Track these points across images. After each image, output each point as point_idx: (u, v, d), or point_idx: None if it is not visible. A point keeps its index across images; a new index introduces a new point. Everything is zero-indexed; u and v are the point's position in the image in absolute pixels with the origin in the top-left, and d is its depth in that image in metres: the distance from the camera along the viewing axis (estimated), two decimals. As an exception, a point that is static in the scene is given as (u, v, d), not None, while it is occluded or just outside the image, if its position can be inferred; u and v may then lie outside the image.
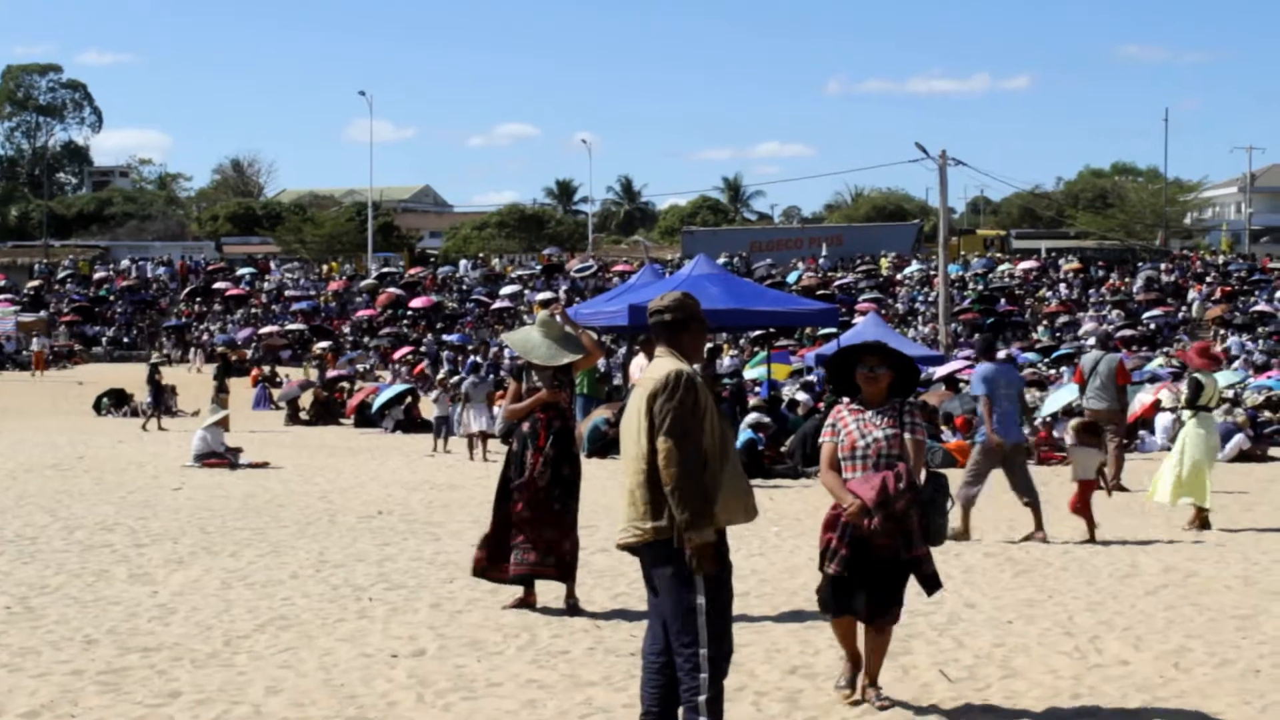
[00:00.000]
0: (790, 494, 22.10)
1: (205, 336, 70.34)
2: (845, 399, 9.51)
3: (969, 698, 9.39)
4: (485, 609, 12.40)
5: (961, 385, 35.56)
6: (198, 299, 77.16)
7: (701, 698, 7.51)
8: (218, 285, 78.72)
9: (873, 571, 8.98)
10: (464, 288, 76.18)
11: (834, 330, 44.33)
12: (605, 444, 26.92)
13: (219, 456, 25.85)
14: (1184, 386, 18.90)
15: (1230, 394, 36.68)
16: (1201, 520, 17.95)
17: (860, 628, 9.26)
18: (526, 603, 12.44)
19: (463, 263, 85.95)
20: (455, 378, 35.23)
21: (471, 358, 43.14)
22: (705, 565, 7.53)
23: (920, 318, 64.44)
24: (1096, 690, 9.59)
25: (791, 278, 71.03)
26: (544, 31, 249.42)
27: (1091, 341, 40.44)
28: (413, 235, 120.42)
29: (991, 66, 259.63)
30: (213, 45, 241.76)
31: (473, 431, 28.58)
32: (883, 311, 60.30)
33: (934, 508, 9.09)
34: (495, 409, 28.27)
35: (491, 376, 34.09)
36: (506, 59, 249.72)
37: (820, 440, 9.41)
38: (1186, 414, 18.61)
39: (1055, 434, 29.66)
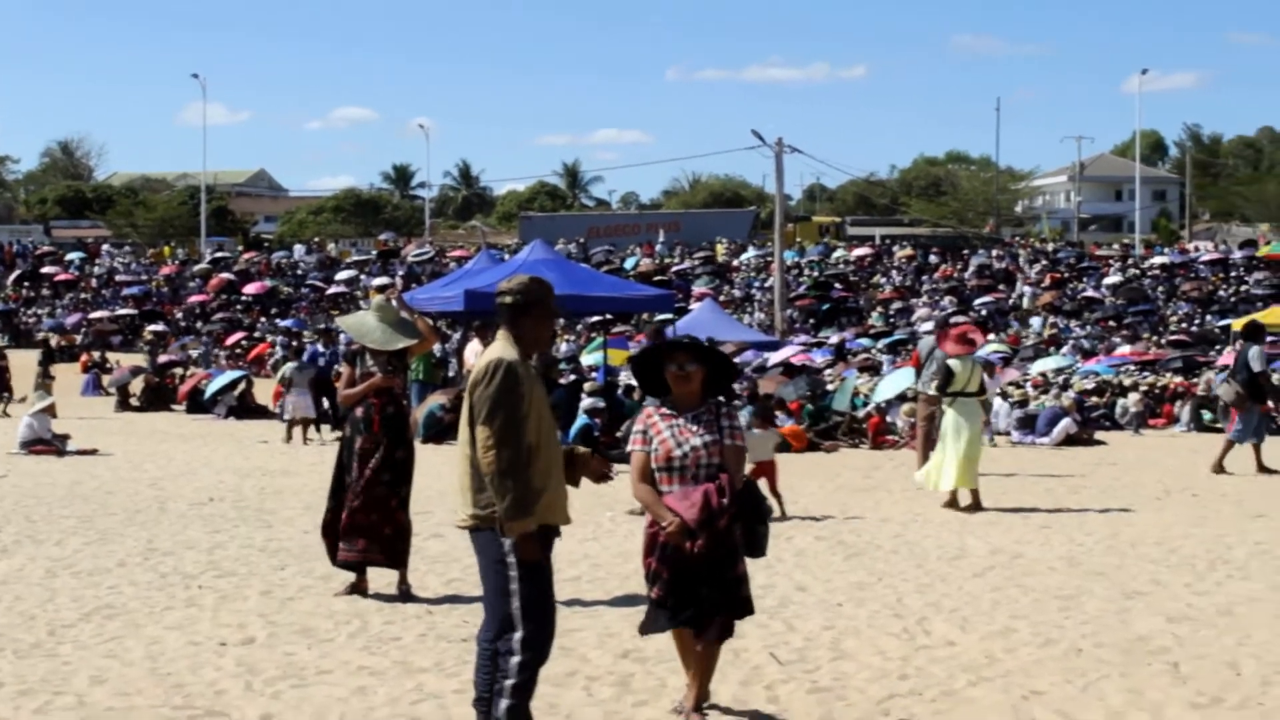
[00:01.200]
0: (624, 479, 22.09)
1: (33, 322, 68.96)
2: (655, 402, 8.66)
3: (799, 680, 9.47)
4: (317, 596, 12.30)
5: (800, 372, 35.81)
6: (25, 284, 75.61)
7: (509, 681, 7.47)
8: (46, 270, 77.17)
9: (698, 585, 8.26)
10: (299, 273, 75.46)
11: (670, 316, 44.46)
12: (441, 430, 26.80)
13: (46, 443, 25.39)
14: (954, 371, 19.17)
15: (1060, 379, 37.42)
16: (952, 500, 18.42)
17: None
18: (358, 589, 12.36)
19: (297, 248, 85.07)
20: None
21: (311, 345, 42.76)
22: (525, 553, 7.43)
23: (756, 304, 64.76)
24: (924, 671, 9.72)
25: (629, 264, 71.08)
26: (381, 15, 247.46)
27: (927, 327, 41.01)
28: (247, 220, 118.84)
29: (830, 55, 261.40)
30: (42, 26, 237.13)
31: (295, 417, 28.60)
32: (719, 298, 60.56)
33: (756, 518, 8.40)
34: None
35: (314, 363, 33.82)
36: (343, 42, 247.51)
37: (629, 449, 8.60)
38: (945, 401, 18.91)
39: (889, 419, 30.04)
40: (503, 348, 7.62)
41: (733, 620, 8.46)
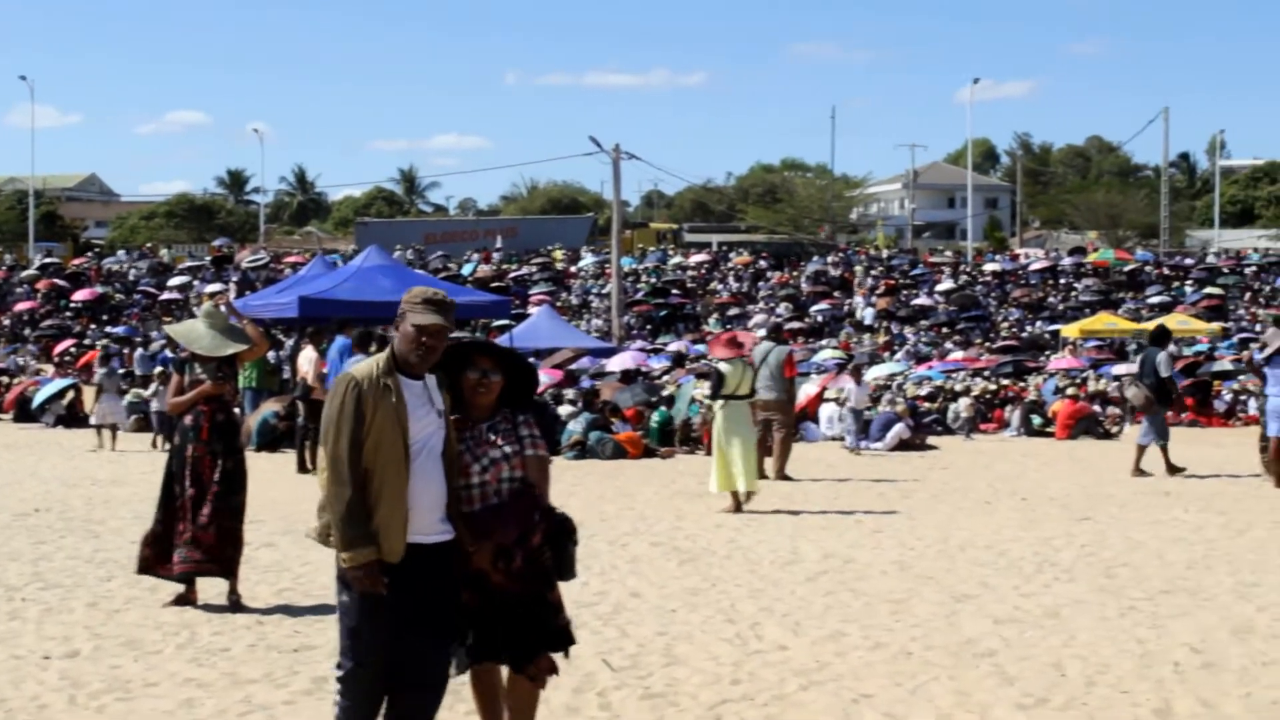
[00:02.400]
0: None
1: None
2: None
3: (631, 686, 9.48)
4: (144, 607, 12.10)
5: (637, 378, 35.88)
6: None
7: (334, 710, 7.24)
8: None
9: (509, 617, 7.37)
10: (130, 279, 74.30)
11: (508, 322, 44.39)
12: (274, 438, 26.52)
13: None
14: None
15: (892, 384, 37.85)
16: (736, 504, 18.69)
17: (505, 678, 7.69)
18: (188, 600, 12.18)
19: (120, 253, 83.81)
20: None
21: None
22: (360, 585, 6.93)
23: (594, 310, 64.82)
24: (756, 676, 9.77)
25: (467, 270, 70.82)
26: (216, 17, 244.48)
27: (763, 333, 41.29)
28: (77, 225, 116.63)
29: (669, 62, 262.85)
30: None
31: (103, 422, 28.34)
32: (557, 304, 60.58)
33: (565, 537, 7.64)
34: (158, 401, 27.86)
35: (121, 369, 33.46)
36: (176, 44, 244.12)
37: None
38: (717, 405, 19.14)
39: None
40: (364, 363, 7.23)
41: (552, 656, 7.57)
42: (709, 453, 28.04)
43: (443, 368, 7.45)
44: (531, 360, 35.55)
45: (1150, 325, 53.37)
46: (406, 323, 7.14)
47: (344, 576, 7.02)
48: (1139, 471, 23.23)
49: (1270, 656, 10.29)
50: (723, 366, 19.23)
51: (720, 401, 19.10)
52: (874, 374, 39.76)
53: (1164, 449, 23.41)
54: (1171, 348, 25.06)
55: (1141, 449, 23.54)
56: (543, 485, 7.52)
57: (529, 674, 7.52)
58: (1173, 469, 23.27)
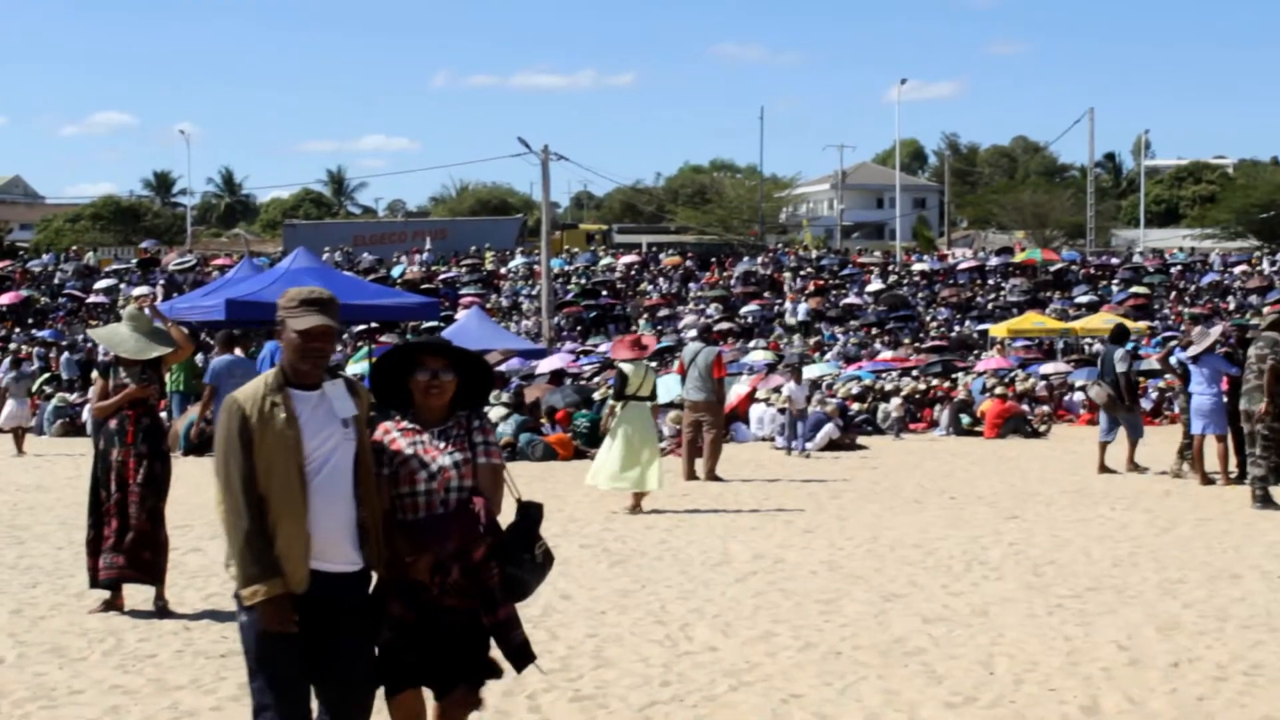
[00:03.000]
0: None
1: None
2: (395, 415, 7.16)
3: (561, 689, 9.46)
4: (70, 614, 12.00)
5: (567, 380, 35.88)
6: None
7: None
8: None
9: (444, 636, 6.92)
10: (56, 282, 73.67)
11: (438, 324, 44.27)
12: (202, 442, 26.35)
13: None
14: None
15: (822, 384, 37.98)
16: (636, 504, 18.85)
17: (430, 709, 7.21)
18: (114, 606, 12.09)
19: (46, 256, 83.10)
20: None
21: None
22: (267, 623, 6.40)
23: (524, 312, 64.71)
24: (685, 677, 9.77)
25: (396, 272, 70.55)
26: (142, 16, 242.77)
27: (692, 334, 41.31)
28: (1, 228, 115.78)
29: (597, 63, 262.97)
30: None
31: (8, 426, 28.26)
32: (486, 306, 60.46)
33: (520, 552, 7.09)
34: (86, 406, 27.66)
35: (31, 370, 33.20)
36: (102, 44, 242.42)
37: None
38: (619, 405, 19.23)
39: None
40: (250, 383, 6.69)
41: (478, 688, 7.12)
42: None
43: (390, 371, 7.13)
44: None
45: (1078, 325, 54.05)
46: (287, 329, 6.60)
47: (244, 615, 6.49)
48: (1104, 469, 23.47)
49: (1195, 653, 10.38)
50: (625, 367, 19.40)
51: (622, 402, 19.20)
52: (804, 374, 39.84)
53: (1134, 444, 23.84)
54: (1130, 345, 25.35)
55: (1104, 446, 23.79)
56: (494, 496, 7.02)
57: (453, 701, 7.06)
58: (1134, 465, 23.65)
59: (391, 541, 6.80)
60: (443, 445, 6.99)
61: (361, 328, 50.06)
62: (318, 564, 6.50)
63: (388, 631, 6.87)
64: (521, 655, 7.18)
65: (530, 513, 7.20)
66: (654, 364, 21.09)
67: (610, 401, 20.17)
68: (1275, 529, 16.78)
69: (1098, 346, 53.52)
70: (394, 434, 7.02)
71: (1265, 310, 28.05)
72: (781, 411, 31.69)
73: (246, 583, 6.41)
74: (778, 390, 34.22)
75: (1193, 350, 21.37)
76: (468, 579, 6.90)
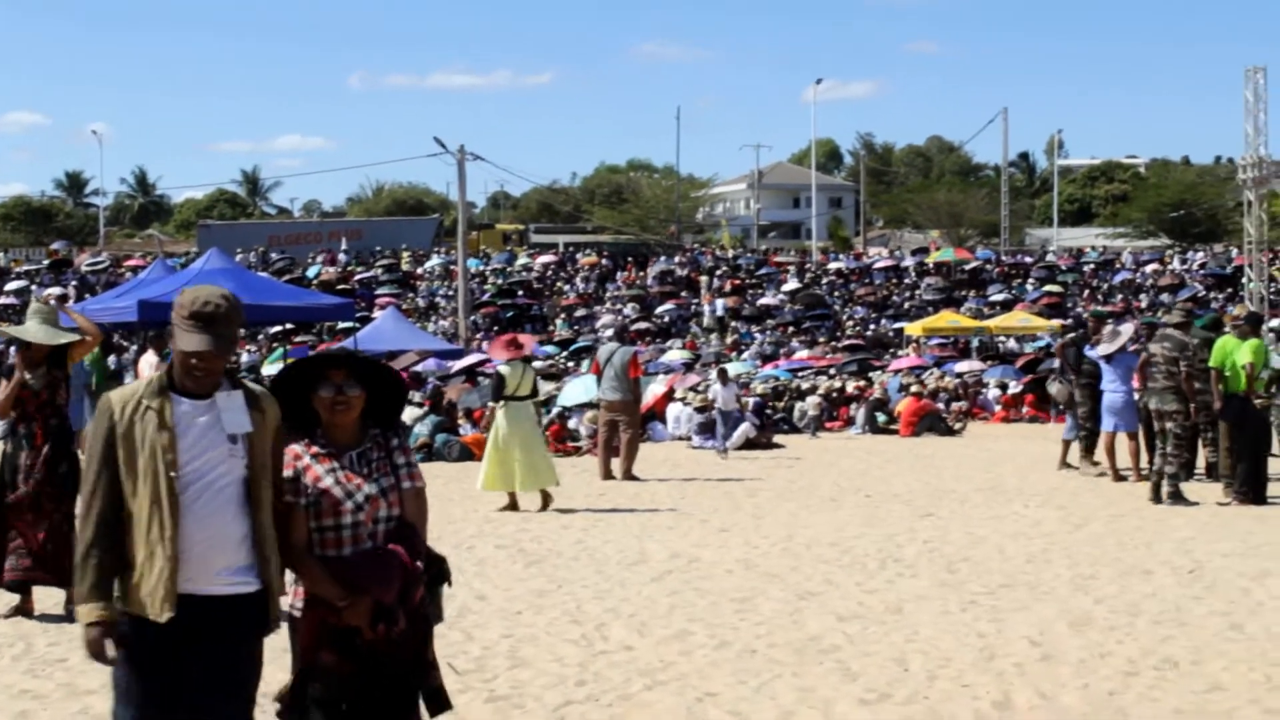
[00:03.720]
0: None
1: None
2: (304, 439, 6.34)
3: (476, 689, 9.43)
4: (-22, 619, 11.85)
5: (481, 379, 35.79)
6: None
7: None
8: None
9: (385, 685, 6.24)
10: (-35, 284, 72.94)
11: (353, 325, 44.06)
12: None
13: None
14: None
15: (738, 383, 38.08)
16: (512, 503, 18.94)
17: None
18: (23, 610, 11.94)
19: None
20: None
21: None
22: (87, 648, 5.85)
23: (441, 312, 64.58)
24: (601, 676, 9.75)
25: (312, 272, 70.27)
26: (52, 16, 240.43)
27: (608, 334, 41.34)
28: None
29: (514, 63, 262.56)
30: None
31: None
32: (403, 306, 60.29)
33: (441, 578, 6.60)
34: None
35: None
36: (12, 44, 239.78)
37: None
38: (498, 406, 19.30)
39: (571, 424, 30.19)
40: (132, 383, 6.22)
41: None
42: (555, 453, 28.22)
43: (292, 388, 6.33)
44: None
45: (992, 324, 54.43)
46: (175, 341, 5.93)
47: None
48: (1065, 465, 23.61)
49: (1107, 648, 10.46)
50: (503, 368, 19.50)
51: (501, 403, 19.26)
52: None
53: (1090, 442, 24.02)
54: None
55: (1066, 444, 23.94)
56: (421, 523, 6.36)
57: None
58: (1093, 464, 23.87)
59: (313, 580, 6.14)
60: (365, 471, 6.26)
61: (277, 329, 49.81)
62: (191, 588, 5.79)
63: (317, 684, 6.14)
64: (438, 700, 6.47)
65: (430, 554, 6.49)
66: (533, 363, 21.13)
67: (490, 403, 20.23)
68: (1186, 525, 16.94)
69: (1011, 344, 54.17)
70: (307, 459, 6.26)
71: (1176, 308, 28.37)
72: (700, 410, 31.76)
73: (79, 599, 5.83)
74: (695, 389, 34.29)
75: (1103, 349, 21.53)
76: (413, 624, 6.22)
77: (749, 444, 29.44)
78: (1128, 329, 23.02)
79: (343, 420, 6.28)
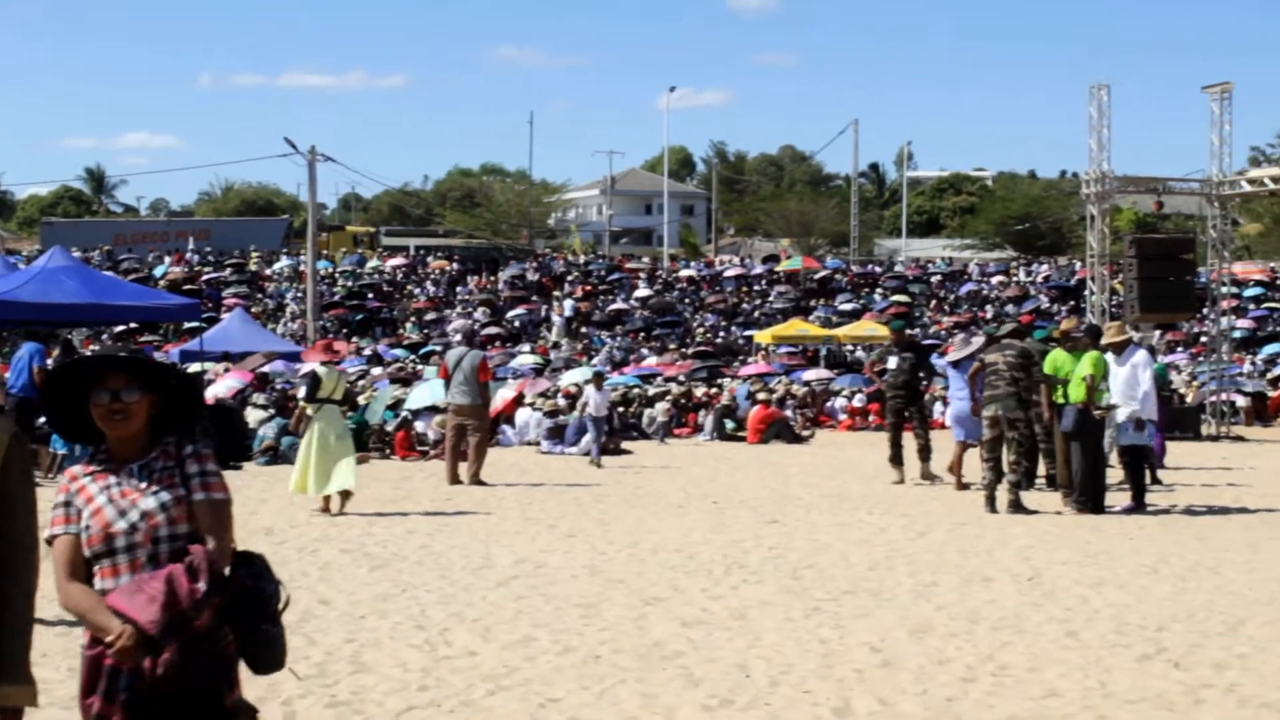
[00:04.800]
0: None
1: None
2: (84, 461, 5.48)
3: (317, 694, 9.34)
4: None
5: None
6: None
7: None
8: None
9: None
10: None
11: (200, 325, 43.57)
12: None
13: None
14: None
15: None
16: (326, 505, 18.99)
17: None
18: None
19: None
20: None
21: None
22: None
23: (289, 313, 64.05)
24: (444, 682, 9.70)
25: (158, 272, 69.41)
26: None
27: (458, 338, 41.19)
28: None
29: (367, 64, 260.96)
30: None
31: None
32: (251, 307, 59.70)
33: (259, 611, 5.37)
34: None
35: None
36: None
37: (48, 533, 5.26)
38: (311, 409, 19.33)
39: (420, 427, 30.04)
40: None
41: None
42: (401, 457, 28.10)
43: (63, 395, 5.46)
44: (210, 367, 34.83)
45: (841, 332, 54.93)
46: None
47: None
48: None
49: (946, 655, 10.57)
50: (319, 370, 19.54)
51: (315, 406, 19.22)
52: (569, 379, 39.95)
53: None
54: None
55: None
56: (221, 537, 5.29)
57: None
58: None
59: (82, 616, 5.20)
60: (144, 485, 5.32)
61: (122, 328, 49.10)
62: None
63: None
64: None
65: (257, 569, 5.45)
66: (347, 369, 21.22)
67: (301, 404, 20.15)
68: (1026, 533, 17.19)
69: (860, 353, 54.71)
70: (82, 480, 5.38)
71: (1006, 319, 28.82)
72: (549, 415, 31.74)
73: None
74: (544, 395, 34.26)
75: (953, 355, 21.81)
76: (190, 658, 5.08)
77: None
78: (977, 340, 23.29)
79: (119, 431, 5.36)
